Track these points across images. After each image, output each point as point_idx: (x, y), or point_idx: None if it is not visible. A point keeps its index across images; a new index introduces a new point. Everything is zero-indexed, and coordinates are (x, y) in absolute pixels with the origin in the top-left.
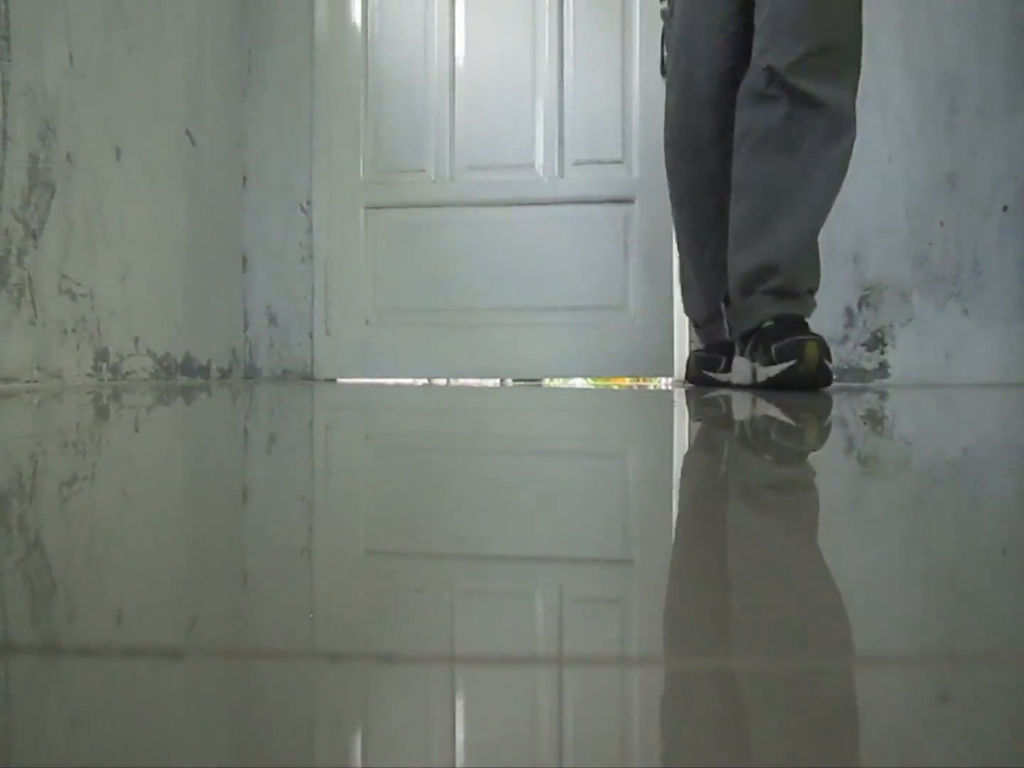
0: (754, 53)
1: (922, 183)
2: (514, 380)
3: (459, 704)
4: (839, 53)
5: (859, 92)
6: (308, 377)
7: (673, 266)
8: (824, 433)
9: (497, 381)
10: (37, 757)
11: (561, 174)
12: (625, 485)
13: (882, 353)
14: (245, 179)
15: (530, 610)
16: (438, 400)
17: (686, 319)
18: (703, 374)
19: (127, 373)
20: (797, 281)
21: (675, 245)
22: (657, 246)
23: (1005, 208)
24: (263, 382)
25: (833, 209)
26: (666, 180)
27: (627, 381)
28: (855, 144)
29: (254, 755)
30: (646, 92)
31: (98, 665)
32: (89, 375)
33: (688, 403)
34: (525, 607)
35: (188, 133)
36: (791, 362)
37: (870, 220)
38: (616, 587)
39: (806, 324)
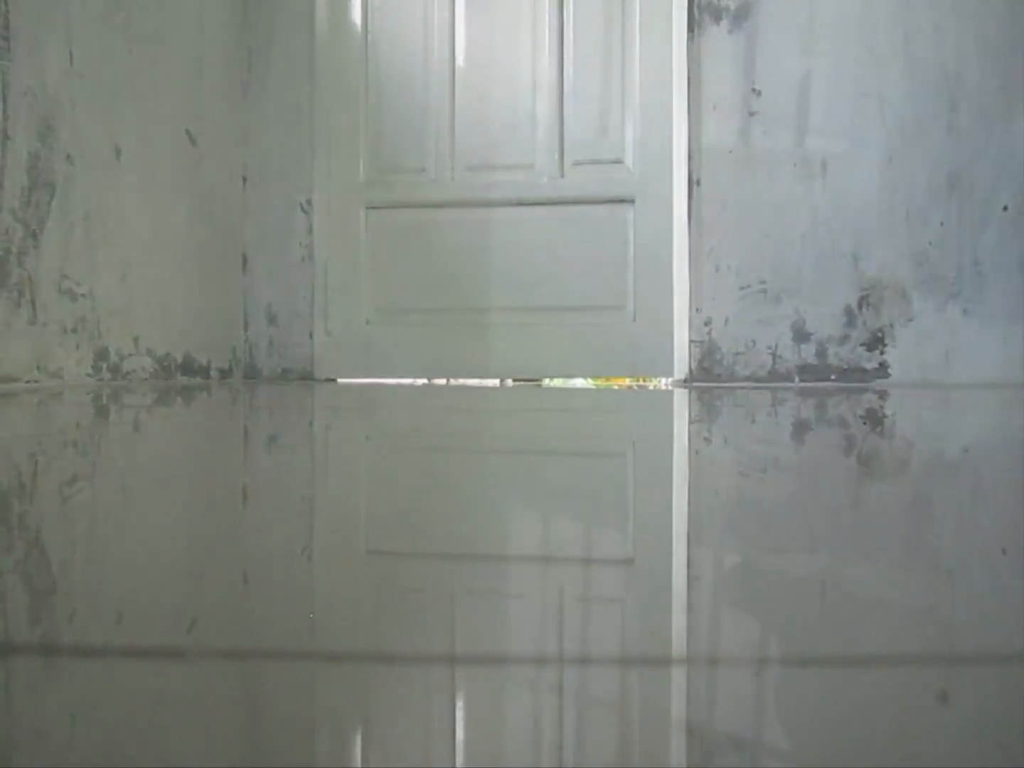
0: None
1: (922, 183)
2: (514, 380)
3: (459, 704)
4: None
5: (859, 92)
6: (308, 377)
7: (673, 266)
8: None
9: (497, 381)
10: (37, 757)
11: (561, 174)
12: (625, 485)
13: (882, 353)
14: (245, 179)
15: (530, 610)
16: (438, 400)
17: (686, 319)
18: None
19: (127, 373)
20: None
21: (676, 244)
22: (657, 246)
23: (1005, 208)
24: (263, 382)
25: (833, 209)
26: (667, 179)
27: (627, 381)
28: (854, 144)
29: (254, 755)
30: (646, 92)
31: (98, 665)
32: (89, 375)
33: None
34: (525, 607)
35: (188, 132)
36: None
37: (870, 220)
38: (616, 587)
39: None
